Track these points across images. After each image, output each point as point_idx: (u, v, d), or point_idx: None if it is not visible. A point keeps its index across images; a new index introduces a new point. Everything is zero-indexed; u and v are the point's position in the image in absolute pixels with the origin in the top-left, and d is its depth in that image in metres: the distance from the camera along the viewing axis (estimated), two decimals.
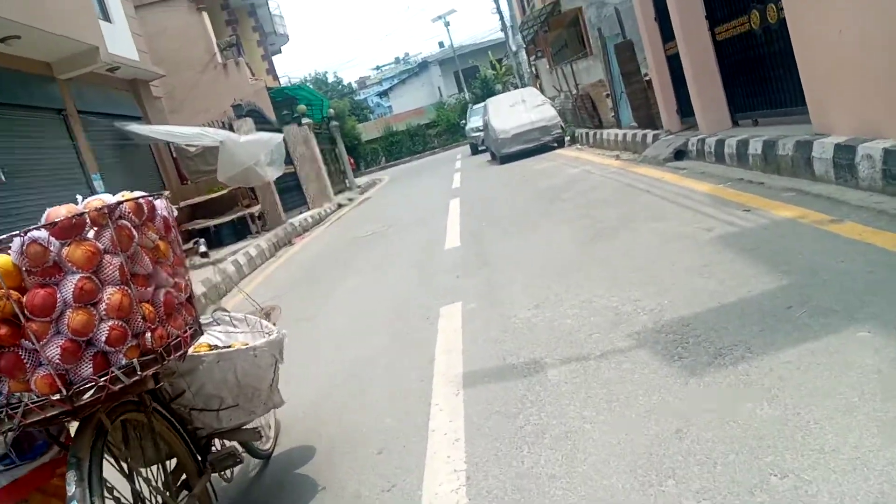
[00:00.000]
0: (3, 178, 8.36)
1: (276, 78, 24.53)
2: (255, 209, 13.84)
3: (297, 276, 8.52)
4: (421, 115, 42.80)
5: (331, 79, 53.89)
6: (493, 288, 5.04)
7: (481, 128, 23.69)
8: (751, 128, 7.75)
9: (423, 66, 50.36)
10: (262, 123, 15.71)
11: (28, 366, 1.80)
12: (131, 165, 12.54)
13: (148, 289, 2.05)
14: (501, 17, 26.12)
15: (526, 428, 2.75)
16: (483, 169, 16.72)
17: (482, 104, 27.41)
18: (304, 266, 9.27)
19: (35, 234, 1.80)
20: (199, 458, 2.52)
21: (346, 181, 23.64)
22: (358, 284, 6.77)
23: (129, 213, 2.02)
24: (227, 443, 2.83)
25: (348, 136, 34.13)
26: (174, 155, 13.94)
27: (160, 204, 2.22)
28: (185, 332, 2.21)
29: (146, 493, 2.18)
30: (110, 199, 2.03)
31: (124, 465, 2.16)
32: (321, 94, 24.56)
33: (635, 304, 3.79)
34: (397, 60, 66.03)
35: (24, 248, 1.79)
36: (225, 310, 3.50)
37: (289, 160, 16.95)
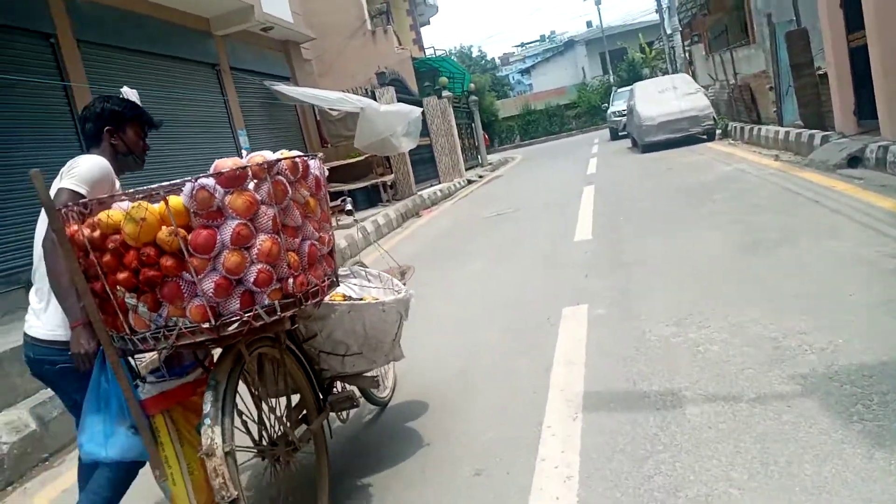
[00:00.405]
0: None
1: (421, 48, 24.55)
2: (388, 178, 13.88)
3: (420, 251, 8.34)
4: (562, 94, 41.61)
5: (475, 53, 53.70)
6: (627, 294, 4.54)
7: (624, 112, 22.62)
8: None
9: (569, 45, 48.88)
10: (403, 93, 15.69)
11: (186, 295, 2.01)
12: (276, 124, 12.88)
13: (295, 239, 2.21)
14: None
15: (656, 479, 2.31)
16: (622, 156, 15.84)
17: (628, 88, 26.10)
18: (427, 241, 9.09)
19: (204, 181, 1.99)
20: (321, 398, 2.71)
21: (479, 157, 23.39)
22: (479, 269, 6.45)
23: (285, 169, 2.17)
24: (348, 387, 3.01)
25: (486, 112, 33.78)
26: (318, 118, 14.19)
27: (314, 164, 2.37)
28: (324, 281, 2.37)
29: (270, 420, 2.42)
30: (270, 155, 2.18)
31: (255, 393, 2.40)
32: (463, 68, 24.34)
33: (801, 338, 3.19)
34: (542, 38, 64.76)
35: (194, 192, 1.99)
36: (363, 264, 3.72)
37: (425, 132, 16.89)
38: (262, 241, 2.06)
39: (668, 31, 20.04)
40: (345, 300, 2.94)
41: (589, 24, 51.29)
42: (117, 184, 2.50)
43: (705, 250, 5.25)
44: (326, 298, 2.51)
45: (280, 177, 2.15)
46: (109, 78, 7.92)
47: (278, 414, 2.46)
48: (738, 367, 3.02)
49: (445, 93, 18.80)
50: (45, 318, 2.36)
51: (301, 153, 2.33)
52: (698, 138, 15.06)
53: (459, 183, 17.17)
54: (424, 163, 16.57)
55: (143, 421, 2.18)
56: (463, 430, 3.06)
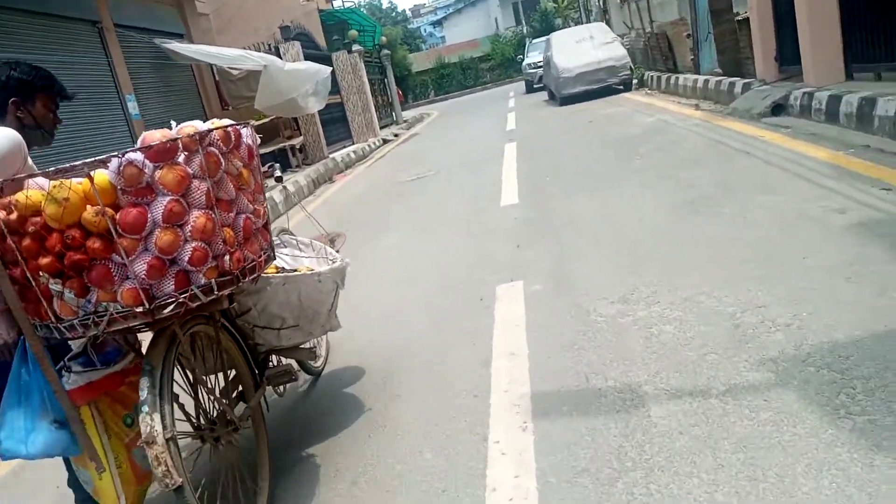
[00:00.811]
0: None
1: (329, 1, 23.30)
2: (297, 141, 13.04)
3: (334, 222, 7.73)
4: (475, 47, 40.94)
5: (385, 4, 52.08)
6: (564, 265, 4.17)
7: (540, 64, 22.31)
8: (872, 83, 6.55)
9: None
10: (310, 48, 14.72)
11: (116, 278, 1.90)
12: (170, 87, 11.77)
13: (230, 214, 2.12)
14: None
15: None
16: (541, 109, 15.53)
17: (542, 39, 25.82)
18: (340, 212, 8.46)
19: (132, 155, 1.88)
20: (257, 373, 2.62)
21: (394, 114, 22.62)
22: (397, 243, 5.94)
23: (217, 140, 2.08)
24: (284, 360, 2.94)
25: (398, 67, 32.77)
26: (216, 78, 13.10)
27: (245, 132, 2.28)
28: (260, 256, 2.30)
29: (207, 400, 2.33)
30: (201, 126, 2.07)
31: (189, 374, 2.33)
32: (374, 20, 23.31)
33: (761, 313, 2.89)
34: None
35: (121, 168, 1.87)
36: (291, 233, 3.54)
37: (336, 90, 16.02)
38: (196, 218, 1.96)
39: None
40: (278, 272, 2.81)
41: None
42: (29, 160, 2.24)
43: (639, 211, 4.94)
44: None
45: (212, 148, 2.05)
46: None
47: (215, 394, 2.37)
48: (698, 353, 2.69)
49: (356, 47, 17.89)
50: None
51: (232, 122, 2.21)
52: (615, 89, 14.91)
53: (374, 143, 16.47)
54: (336, 122, 15.76)
55: (73, 412, 2.05)
56: (390, 450, 2.59)
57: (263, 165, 2.78)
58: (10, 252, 1.90)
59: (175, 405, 2.09)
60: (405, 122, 22.13)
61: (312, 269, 2.95)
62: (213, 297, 2.02)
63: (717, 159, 6.06)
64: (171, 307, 1.94)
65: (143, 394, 1.96)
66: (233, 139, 2.16)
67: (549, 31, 32.48)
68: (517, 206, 6.06)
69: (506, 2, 43.90)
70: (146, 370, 2.02)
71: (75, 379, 2.09)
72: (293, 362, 3.02)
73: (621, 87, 14.92)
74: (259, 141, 2.45)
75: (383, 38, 24.07)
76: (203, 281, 1.99)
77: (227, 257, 2.06)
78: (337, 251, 3.35)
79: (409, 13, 56.71)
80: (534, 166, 7.90)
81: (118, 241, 1.86)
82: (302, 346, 2.90)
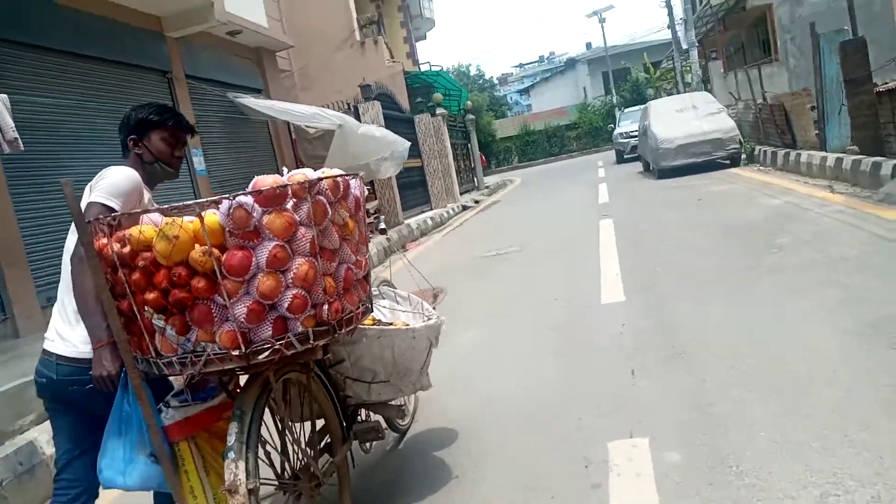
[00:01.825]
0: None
1: (416, 63, 23.05)
2: (372, 205, 12.22)
3: None
4: (562, 115, 40.19)
5: (472, 71, 52.43)
6: (707, 417, 2.86)
7: (633, 133, 21.12)
8: None
9: (570, 63, 47.57)
10: (391, 109, 14.11)
11: (216, 319, 1.88)
12: (242, 142, 11.22)
13: (332, 263, 2.08)
14: (670, 11, 23.09)
15: None
16: (636, 182, 14.23)
17: (636, 108, 24.73)
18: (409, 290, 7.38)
19: (242, 199, 1.87)
20: (345, 426, 2.56)
21: (475, 180, 21.80)
22: (470, 345, 4.74)
23: (326, 189, 2.03)
24: (372, 415, 2.91)
25: (482, 132, 32.26)
26: (293, 136, 12.57)
27: (354, 183, 2.23)
28: (358, 308, 2.23)
29: (293, 450, 2.28)
30: (312, 174, 2.04)
31: (279, 421, 2.27)
32: (460, 84, 22.84)
33: None
34: (541, 59, 63.59)
35: (231, 210, 1.86)
36: (392, 285, 3.46)
37: (416, 153, 15.32)
38: (299, 265, 1.93)
39: (685, 46, 18.50)
40: (374, 324, 2.80)
41: (588, 45, 50.01)
42: (146, 196, 2.31)
43: (802, 336, 3.59)
44: None
45: (321, 196, 2.00)
46: (29, 84, 6.40)
47: (302, 444, 2.31)
48: None
49: (440, 110, 17.23)
50: (73, 335, 2.16)
51: (343, 172, 2.18)
52: (721, 164, 13.50)
53: (453, 209, 15.54)
54: (414, 187, 14.96)
55: (163, 449, 2.02)
56: None
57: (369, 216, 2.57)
58: (121, 284, 1.93)
59: (261, 452, 2.07)
60: (487, 187, 21.23)
61: (408, 325, 2.87)
62: (309, 346, 1.98)
63: (890, 262, 4.63)
64: (267, 353, 1.90)
65: (231, 439, 1.93)
66: (341, 189, 2.12)
67: (640, 102, 31.49)
68: (624, 307, 4.79)
69: (595, 71, 43.15)
70: (236, 415, 1.99)
71: (172, 414, 2.09)
72: (381, 419, 2.97)
73: (728, 161, 13.48)
74: (367, 193, 2.45)
75: (469, 103, 23.51)
76: (300, 329, 1.95)
77: (325, 307, 2.00)
78: (435, 307, 3.24)
79: (496, 81, 56.93)
80: (639, 251, 6.62)
81: (222, 283, 1.84)
82: (391, 402, 2.84)
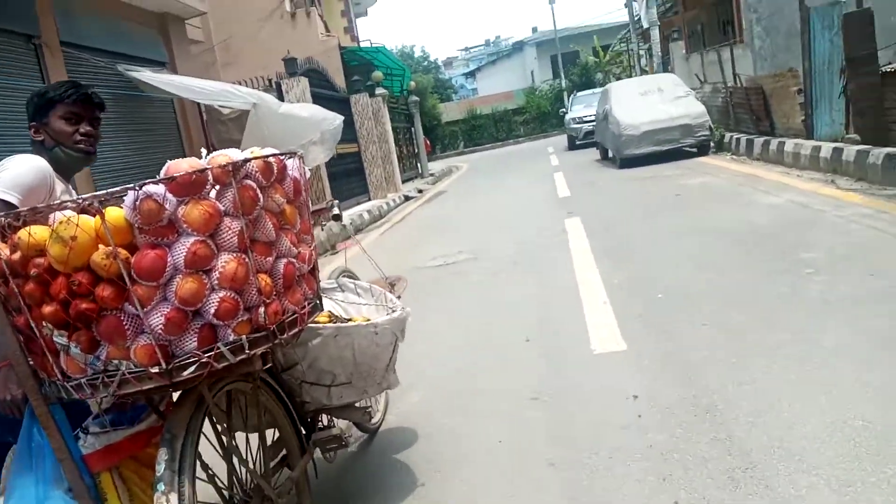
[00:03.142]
0: None
1: (355, 40, 21.19)
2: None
3: None
4: (510, 99, 38.81)
5: (417, 53, 50.54)
6: None
7: (587, 119, 19.92)
8: None
9: (518, 47, 46.17)
10: (323, 87, 12.38)
11: (129, 332, 1.61)
12: (138, 126, 9.34)
13: (267, 258, 1.77)
14: None
15: None
16: (596, 172, 12.91)
17: (589, 91, 23.56)
18: None
19: (151, 188, 1.58)
20: (303, 434, 2.33)
21: (419, 166, 20.21)
22: (411, 419, 3.24)
23: (256, 172, 1.75)
24: (335, 420, 2.63)
25: (427, 116, 30.58)
26: (204, 117, 10.75)
27: (292, 164, 1.94)
28: (304, 307, 1.94)
29: (241, 467, 1.97)
30: (237, 154, 1.76)
31: (222, 438, 1.94)
32: (404, 64, 21.11)
33: None
34: (487, 43, 62.05)
35: (138, 202, 1.57)
36: (352, 274, 3.23)
37: (351, 137, 13.64)
38: (226, 263, 1.65)
39: (645, 26, 17.28)
40: (330, 320, 2.45)
41: (534, 30, 48.69)
42: (60, 188, 2.07)
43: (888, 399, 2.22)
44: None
45: (249, 181, 1.72)
46: None
47: (251, 461, 2.03)
48: None
49: (380, 90, 15.57)
50: None
51: (277, 151, 1.87)
52: (686, 152, 12.32)
53: (395, 200, 13.95)
54: (350, 175, 13.30)
55: (81, 483, 1.76)
56: None
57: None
58: (14, 297, 1.65)
59: (204, 472, 1.85)
60: (431, 175, 19.67)
61: (369, 319, 2.55)
62: (244, 356, 1.69)
63: None
64: (193, 368, 1.62)
65: (160, 468, 1.66)
66: (275, 171, 1.81)
67: (589, 87, 30.40)
68: (627, 361, 3.36)
69: (544, 55, 41.87)
70: (165, 439, 1.71)
71: (92, 441, 1.83)
72: (343, 423, 2.68)
73: (695, 150, 12.32)
74: (308, 174, 2.17)
75: (412, 83, 21.87)
76: (232, 337, 1.67)
77: (262, 309, 1.72)
78: (398, 297, 2.93)
79: (440, 64, 55.15)
80: (623, 265, 5.22)
81: (132, 289, 1.57)
82: (355, 405, 2.56)
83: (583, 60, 36.12)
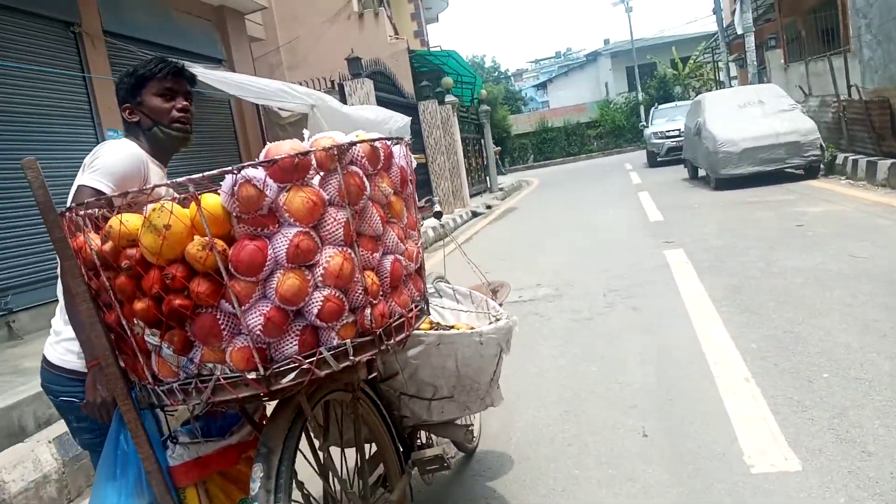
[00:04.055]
0: None
1: (425, 44, 20.40)
2: None
3: None
4: (582, 112, 37.39)
5: (487, 63, 49.71)
6: None
7: (669, 133, 18.56)
8: None
9: (592, 57, 44.64)
10: (389, 92, 11.55)
11: (225, 333, 1.45)
12: (195, 127, 8.70)
13: (374, 254, 1.62)
14: None
15: None
16: (687, 193, 11.59)
17: (671, 105, 22.09)
18: None
19: (250, 172, 1.42)
20: (401, 452, 2.17)
21: (488, 180, 19.20)
22: None
23: (362, 157, 1.60)
24: (434, 438, 2.54)
25: (497, 127, 29.57)
26: (262, 121, 10.07)
27: (398, 150, 1.77)
28: (411, 311, 1.75)
29: (337, 488, 1.80)
30: (341, 137, 1.60)
31: (319, 454, 1.78)
32: (475, 71, 20.18)
33: None
34: (558, 55, 60.68)
35: (237, 188, 1.41)
36: (447, 280, 2.90)
37: (419, 147, 12.77)
38: (331, 258, 1.49)
39: (739, 31, 15.80)
40: (432, 327, 2.37)
41: (606, 42, 47.06)
42: (156, 175, 1.95)
43: None
44: None
45: (354, 167, 1.57)
46: None
47: (350, 481, 1.87)
48: None
49: (450, 97, 14.65)
50: (61, 338, 1.87)
51: (382, 136, 1.68)
52: (791, 174, 10.91)
53: (462, 216, 12.97)
54: (416, 188, 12.38)
55: (167, 499, 1.63)
56: None
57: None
58: (105, 292, 1.53)
59: (299, 490, 1.68)
60: (501, 189, 18.62)
61: (473, 328, 2.36)
62: (348, 363, 1.52)
63: None
64: (293, 375, 1.46)
65: (255, 486, 1.52)
66: (381, 157, 1.65)
67: (668, 100, 28.73)
68: (804, 485, 2.24)
69: (618, 66, 40.27)
70: (261, 454, 1.57)
71: (181, 452, 1.71)
72: (444, 442, 2.55)
73: (801, 172, 10.89)
74: (415, 164, 1.99)
75: (483, 92, 20.91)
76: (336, 341, 1.51)
77: (368, 311, 1.56)
78: (500, 305, 2.72)
79: (511, 75, 54.13)
80: (755, 319, 4.06)
81: (229, 284, 1.41)
82: (456, 422, 2.39)
83: (660, 72, 34.44)
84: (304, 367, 1.46)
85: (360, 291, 1.53)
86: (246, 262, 1.40)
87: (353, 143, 1.56)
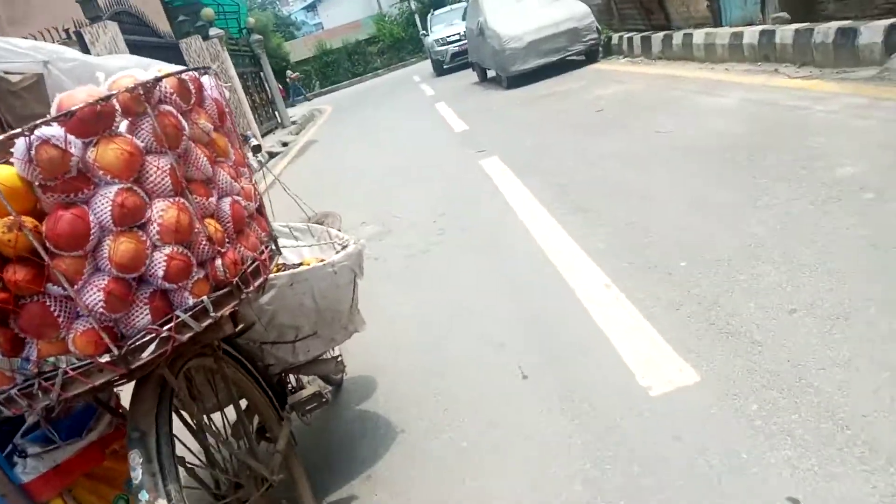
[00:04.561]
0: None
1: None
2: None
3: None
4: (358, 29, 36.19)
5: None
6: None
7: (450, 39, 18.40)
8: None
9: None
10: (141, 34, 10.01)
11: (61, 319, 1.29)
12: None
13: (210, 199, 1.49)
14: None
15: None
16: (484, 97, 11.46)
17: (447, 8, 21.87)
18: None
19: (46, 130, 1.23)
20: (274, 401, 2.09)
21: (277, 115, 17.93)
22: None
23: (172, 94, 1.42)
24: (303, 378, 2.50)
25: (274, 57, 27.65)
26: None
27: (208, 81, 1.61)
28: (262, 252, 1.66)
29: (219, 453, 1.74)
30: (143, 74, 1.41)
31: (192, 423, 1.68)
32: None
33: None
34: None
35: (34, 152, 1.22)
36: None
37: None
38: (163, 211, 1.35)
39: None
40: (279, 270, 2.19)
41: None
42: None
43: None
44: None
45: (166, 106, 1.40)
46: None
47: (232, 443, 1.82)
48: None
49: (214, 31, 13.15)
50: None
51: (184, 67, 1.52)
52: (572, 61, 11.15)
53: (258, 159, 11.89)
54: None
55: None
56: None
57: None
58: None
59: (181, 466, 1.54)
60: (294, 123, 17.49)
61: (321, 259, 2.24)
62: (210, 320, 1.41)
63: None
64: (153, 347, 1.33)
65: (137, 474, 1.39)
66: (192, 91, 1.48)
67: (441, 5, 28.49)
68: (707, 394, 2.04)
69: None
70: (134, 439, 1.43)
71: (34, 465, 1.54)
72: (313, 379, 2.47)
73: (582, 57, 11.16)
74: (228, 94, 1.75)
75: (251, 20, 19.23)
76: (192, 301, 1.39)
77: (218, 261, 1.45)
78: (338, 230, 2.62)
79: (276, 1, 50.86)
80: (592, 217, 3.90)
81: (52, 264, 1.24)
82: (323, 357, 2.34)
83: None
84: (164, 335, 1.33)
85: (204, 242, 1.41)
86: (67, 234, 1.24)
87: (158, 79, 1.38)
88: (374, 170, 7.80)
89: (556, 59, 10.69)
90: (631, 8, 10.70)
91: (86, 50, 7.95)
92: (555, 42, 10.59)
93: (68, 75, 6.54)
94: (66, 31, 8.35)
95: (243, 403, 1.98)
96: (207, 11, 13.29)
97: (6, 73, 7.72)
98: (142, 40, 9.55)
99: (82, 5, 8.27)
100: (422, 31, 24.44)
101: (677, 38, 8.77)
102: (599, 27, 10.96)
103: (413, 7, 33.35)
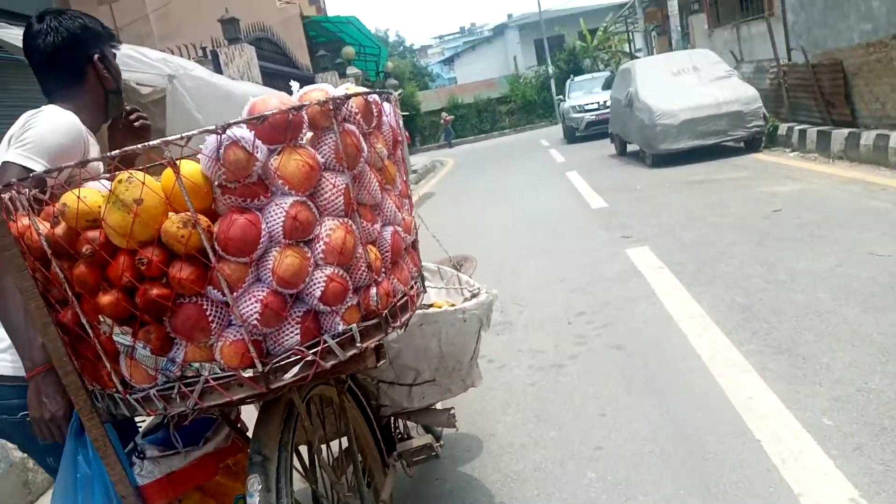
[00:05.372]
0: None
1: (321, 11, 18.45)
2: None
3: None
4: (492, 87, 36.18)
5: (392, 37, 47.77)
6: None
7: (587, 106, 17.55)
8: None
9: (499, 31, 43.53)
10: (279, 63, 9.79)
11: (213, 325, 1.22)
12: (23, 104, 6.69)
13: (374, 225, 1.42)
14: None
15: None
16: (625, 173, 10.41)
17: (587, 76, 21.17)
18: None
19: (238, 131, 1.18)
20: (382, 446, 2.05)
21: None
22: None
23: (356, 114, 1.37)
24: (412, 426, 2.40)
25: (405, 105, 27.93)
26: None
27: (388, 107, 1.54)
28: (412, 288, 1.57)
29: (330, 489, 1.69)
30: (333, 90, 1.37)
31: (307, 456, 1.66)
32: (379, 41, 18.44)
33: None
34: (462, 31, 59.33)
35: (222, 151, 1.17)
36: None
37: None
38: (332, 230, 1.27)
39: None
40: None
41: (510, 16, 46.09)
42: (94, 150, 1.61)
43: None
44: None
45: (350, 126, 1.34)
46: None
47: (344, 479, 1.80)
48: None
49: (352, 70, 12.96)
50: (4, 344, 1.51)
51: (370, 89, 1.45)
52: (729, 147, 9.97)
53: None
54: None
55: None
56: None
57: None
58: (59, 285, 1.24)
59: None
60: (414, 172, 17.10)
61: (453, 304, 2.19)
62: (354, 350, 1.32)
63: None
64: (297, 369, 1.24)
65: (254, 501, 1.29)
66: (374, 114, 1.42)
67: (577, 73, 27.90)
68: None
69: (527, 39, 39.33)
70: (256, 462, 1.35)
71: (150, 468, 1.43)
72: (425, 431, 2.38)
73: (741, 144, 9.96)
74: (402, 122, 1.66)
75: (389, 65, 19.24)
76: (341, 327, 1.29)
77: (373, 290, 1.36)
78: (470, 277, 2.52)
79: (416, 51, 52.41)
80: (806, 367, 2.80)
81: (217, 267, 1.18)
82: (436, 407, 2.24)
83: (569, 45, 33.71)
84: (308, 358, 1.24)
85: (363, 269, 1.33)
86: (237, 239, 1.17)
87: (348, 97, 1.34)
88: (494, 234, 6.92)
89: (712, 143, 9.57)
90: (808, 98, 9.44)
91: (218, 69, 7.66)
92: (714, 124, 9.47)
93: (191, 93, 5.89)
94: (203, 48, 8.14)
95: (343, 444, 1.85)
96: (348, 50, 13.16)
97: (138, 83, 7.19)
98: (277, 69, 9.30)
99: (223, 26, 8.04)
100: (557, 96, 23.80)
101: (867, 137, 7.46)
102: (767, 114, 9.75)
103: (550, 72, 32.99)
